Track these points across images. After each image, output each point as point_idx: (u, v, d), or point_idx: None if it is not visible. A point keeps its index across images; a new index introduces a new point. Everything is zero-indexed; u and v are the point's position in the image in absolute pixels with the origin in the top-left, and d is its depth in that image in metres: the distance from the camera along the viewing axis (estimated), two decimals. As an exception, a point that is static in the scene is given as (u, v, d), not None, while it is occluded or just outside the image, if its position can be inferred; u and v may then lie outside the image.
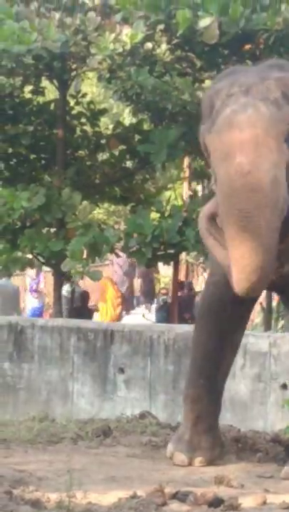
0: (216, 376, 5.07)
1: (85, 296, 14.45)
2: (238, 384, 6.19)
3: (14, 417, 6.85)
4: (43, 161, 10.06)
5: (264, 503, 4.06)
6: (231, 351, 5.10)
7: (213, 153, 4.42)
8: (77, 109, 10.05)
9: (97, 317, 15.00)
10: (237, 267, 4.26)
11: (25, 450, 5.13)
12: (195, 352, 5.21)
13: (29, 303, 16.24)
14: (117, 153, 9.73)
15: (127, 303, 17.67)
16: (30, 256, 9.57)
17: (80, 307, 14.08)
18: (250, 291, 4.40)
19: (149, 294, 18.99)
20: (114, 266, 17.77)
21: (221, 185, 4.36)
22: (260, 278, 4.32)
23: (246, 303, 4.88)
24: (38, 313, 15.04)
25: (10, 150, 10.01)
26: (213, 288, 5.38)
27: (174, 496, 4.05)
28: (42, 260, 9.63)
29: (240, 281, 4.31)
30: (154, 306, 16.73)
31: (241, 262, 4.27)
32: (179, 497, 4.06)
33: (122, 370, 7.67)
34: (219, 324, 4.94)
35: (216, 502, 3.93)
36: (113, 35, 8.17)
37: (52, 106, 9.89)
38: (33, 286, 15.87)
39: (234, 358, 5.29)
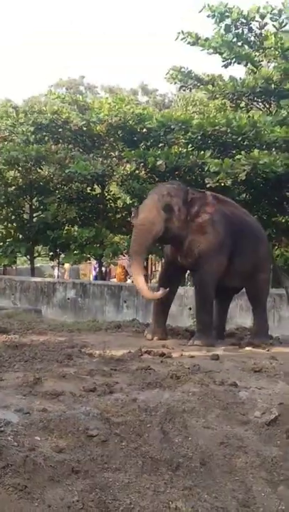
0: (165, 304, 9.00)
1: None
2: (172, 307, 9.61)
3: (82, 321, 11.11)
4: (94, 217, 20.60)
5: (182, 355, 7.34)
6: (172, 292, 8.96)
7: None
8: (108, 197, 21.48)
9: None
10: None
11: (86, 333, 8.85)
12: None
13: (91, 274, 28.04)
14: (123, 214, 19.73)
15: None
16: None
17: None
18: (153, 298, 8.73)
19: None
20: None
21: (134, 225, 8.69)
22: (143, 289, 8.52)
23: (177, 272, 9.04)
24: (95, 279, 24.14)
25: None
26: (164, 264, 9.51)
27: (146, 352, 7.29)
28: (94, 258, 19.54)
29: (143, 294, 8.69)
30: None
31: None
32: (148, 352, 7.28)
33: (125, 302, 12.46)
34: (167, 279, 8.94)
35: (162, 354, 7.20)
36: (123, 167, 17.40)
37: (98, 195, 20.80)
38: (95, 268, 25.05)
39: (174, 297, 9.15)
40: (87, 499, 3.97)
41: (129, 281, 24.31)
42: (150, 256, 21.61)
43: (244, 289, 9.71)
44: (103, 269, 24.04)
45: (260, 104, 21.83)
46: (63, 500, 3.91)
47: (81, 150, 21.64)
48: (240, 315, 11.33)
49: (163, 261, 10.12)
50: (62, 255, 22.58)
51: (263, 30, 20.97)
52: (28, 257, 22.65)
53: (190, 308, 11.90)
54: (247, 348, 8.52)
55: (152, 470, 4.40)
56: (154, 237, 8.43)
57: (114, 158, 20.82)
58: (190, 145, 19.31)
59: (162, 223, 8.33)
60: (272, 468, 4.78)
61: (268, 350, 8.34)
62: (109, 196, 22.08)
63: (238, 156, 17.51)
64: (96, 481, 4.14)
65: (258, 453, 4.85)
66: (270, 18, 20.70)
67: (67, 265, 26.20)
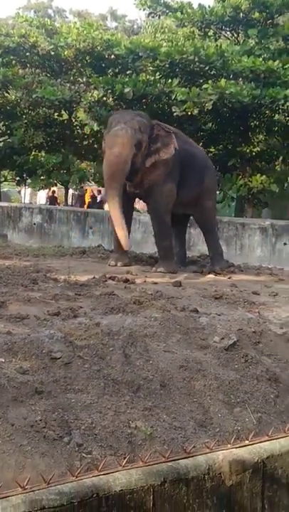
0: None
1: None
2: (136, 234, 10.04)
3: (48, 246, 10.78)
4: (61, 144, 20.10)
5: (145, 281, 7.48)
6: (130, 222, 9.12)
7: (105, 145, 8.80)
8: (76, 123, 21.05)
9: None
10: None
11: (51, 259, 8.91)
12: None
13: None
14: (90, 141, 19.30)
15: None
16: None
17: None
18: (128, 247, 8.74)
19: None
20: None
21: (104, 160, 8.68)
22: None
23: (130, 200, 9.10)
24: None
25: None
26: None
27: (110, 278, 7.39)
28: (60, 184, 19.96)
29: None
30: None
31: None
32: (112, 278, 7.39)
33: (91, 228, 12.42)
34: (124, 209, 8.74)
35: (126, 280, 7.30)
36: (90, 94, 17.32)
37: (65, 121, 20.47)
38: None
39: (130, 224, 9.23)
40: (49, 418, 4.02)
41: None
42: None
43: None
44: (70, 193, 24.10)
45: (228, 33, 21.67)
46: (26, 420, 3.96)
47: (48, 75, 21.33)
48: (202, 242, 11.36)
49: None
50: (29, 180, 22.53)
51: None
52: (-7, 181, 22.60)
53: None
54: (209, 276, 8.63)
55: (114, 391, 4.46)
56: (126, 174, 8.54)
57: (82, 85, 20.63)
58: (158, 73, 19.09)
59: (131, 160, 8.47)
60: (229, 391, 4.86)
61: (229, 278, 8.46)
62: (76, 122, 21.93)
63: (205, 85, 17.40)
64: (59, 402, 4.19)
65: (216, 376, 4.93)
66: None
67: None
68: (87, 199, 27.28)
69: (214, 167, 9.77)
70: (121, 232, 8.43)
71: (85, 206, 26.35)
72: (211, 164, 9.80)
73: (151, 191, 8.71)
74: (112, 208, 8.48)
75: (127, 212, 8.99)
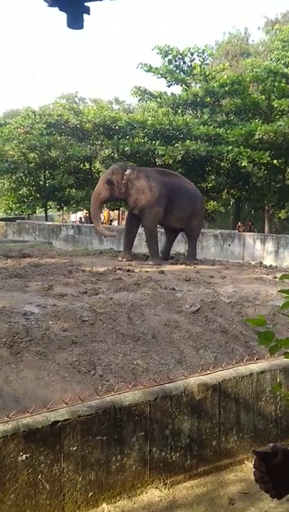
0: (129, 239, 8.93)
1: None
2: (136, 242, 9.35)
3: (78, 249, 10.60)
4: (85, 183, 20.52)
5: (140, 271, 7.20)
6: (133, 232, 8.96)
7: None
8: (94, 170, 21.19)
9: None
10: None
11: (80, 257, 8.69)
12: (124, 233, 9.20)
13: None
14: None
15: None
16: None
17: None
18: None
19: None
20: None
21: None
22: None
23: (134, 218, 8.84)
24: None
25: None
26: (127, 214, 9.42)
27: (118, 269, 7.10)
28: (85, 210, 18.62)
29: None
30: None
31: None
32: (120, 269, 7.14)
33: (105, 237, 12.21)
34: (128, 223, 8.95)
35: (129, 270, 7.06)
36: (103, 152, 16.13)
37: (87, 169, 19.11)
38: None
39: (135, 234, 9.02)
40: (81, 359, 4.02)
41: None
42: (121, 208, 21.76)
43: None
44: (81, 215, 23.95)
45: (190, 111, 21.65)
46: (67, 360, 3.96)
47: (76, 140, 21.29)
48: (177, 245, 11.34)
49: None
50: (65, 208, 22.59)
51: (192, 62, 20.69)
52: (43, 209, 22.59)
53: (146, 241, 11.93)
54: (181, 266, 8.58)
55: (122, 341, 4.46)
56: (101, 201, 8.92)
57: (98, 146, 20.63)
58: (146, 137, 19.06)
59: (107, 191, 8.58)
60: (196, 339, 4.86)
61: (194, 267, 8.40)
62: (94, 170, 21.97)
63: (176, 145, 17.41)
64: (87, 349, 4.19)
65: (188, 330, 4.92)
66: (197, 55, 20.64)
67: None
68: (106, 218, 27.07)
69: (202, 198, 9.64)
70: (98, 228, 9.21)
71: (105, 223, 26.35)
72: (200, 195, 9.66)
73: (144, 212, 8.63)
74: (93, 219, 9.25)
75: (132, 225, 8.99)
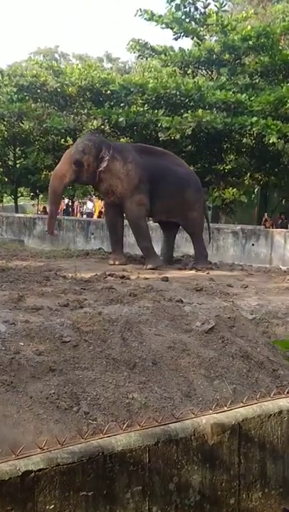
0: (116, 235, 9.18)
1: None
2: (130, 239, 9.88)
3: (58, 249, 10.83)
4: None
5: (138, 277, 7.34)
6: (118, 224, 9.17)
7: None
8: None
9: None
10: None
11: (60, 259, 8.81)
12: (108, 229, 9.46)
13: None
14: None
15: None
16: None
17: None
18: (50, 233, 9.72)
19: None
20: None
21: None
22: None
23: (114, 208, 9.07)
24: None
25: None
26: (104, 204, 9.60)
27: (109, 275, 7.25)
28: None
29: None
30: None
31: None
32: (111, 275, 7.21)
33: (92, 234, 12.34)
34: (113, 217, 9.16)
35: (123, 276, 7.17)
36: (90, 123, 16.21)
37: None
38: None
39: (121, 228, 9.21)
40: (61, 391, 4.02)
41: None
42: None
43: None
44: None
45: (203, 71, 21.69)
46: (42, 393, 3.96)
47: (56, 108, 21.33)
48: (185, 245, 11.37)
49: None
50: (41, 195, 22.57)
51: (206, 9, 20.71)
52: (12, 196, 22.62)
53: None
54: (191, 272, 8.59)
55: (114, 368, 4.45)
56: (64, 185, 9.21)
57: (84, 116, 20.65)
58: (146, 105, 19.08)
59: (73, 174, 8.75)
60: (209, 366, 4.85)
61: (207, 273, 8.42)
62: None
63: (185, 115, 17.43)
64: (69, 378, 4.18)
65: (198, 355, 4.92)
66: (213, -1, 20.47)
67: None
68: (98, 209, 27.15)
69: (199, 184, 9.60)
70: (50, 222, 9.61)
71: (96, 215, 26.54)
72: (195, 181, 9.58)
73: (124, 202, 8.76)
74: (51, 206, 9.71)
75: (114, 218, 9.12)
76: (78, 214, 29.65)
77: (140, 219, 8.93)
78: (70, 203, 26.93)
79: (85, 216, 27.33)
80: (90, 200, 26.19)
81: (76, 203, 27.40)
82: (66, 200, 25.32)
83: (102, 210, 27.09)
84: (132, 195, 8.72)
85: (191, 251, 10.33)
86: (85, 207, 29.29)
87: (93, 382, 4.24)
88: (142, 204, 8.78)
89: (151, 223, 11.54)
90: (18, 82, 20.89)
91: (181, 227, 9.67)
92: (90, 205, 29.08)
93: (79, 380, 4.21)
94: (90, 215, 28.87)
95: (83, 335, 4.68)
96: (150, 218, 9.70)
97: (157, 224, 10.53)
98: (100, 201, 24.34)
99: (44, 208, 27.45)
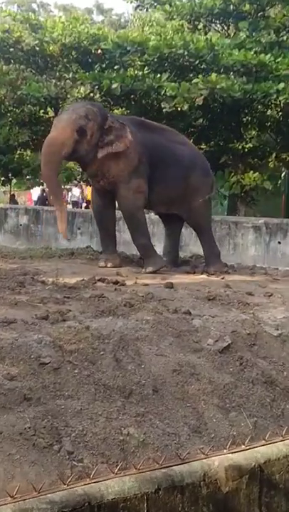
0: (107, 229, 9.24)
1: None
2: (126, 235, 9.84)
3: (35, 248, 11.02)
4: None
5: (135, 283, 7.48)
6: (109, 216, 9.24)
7: None
8: None
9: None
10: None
11: (38, 261, 8.93)
12: (96, 223, 9.49)
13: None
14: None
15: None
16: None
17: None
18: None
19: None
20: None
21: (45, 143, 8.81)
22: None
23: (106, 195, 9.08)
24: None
25: None
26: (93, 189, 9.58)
27: (99, 280, 7.40)
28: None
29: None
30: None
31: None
32: (101, 280, 7.40)
33: (79, 228, 12.38)
34: (102, 206, 9.16)
35: (116, 282, 7.28)
36: (77, 90, 16.86)
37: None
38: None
39: (114, 221, 9.32)
40: (39, 426, 4.02)
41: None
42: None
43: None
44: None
45: (218, 26, 21.67)
46: (15, 427, 3.96)
47: (33, 71, 21.26)
48: (195, 243, 11.33)
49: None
50: (14, 180, 22.48)
51: None
52: (-22, 181, 22.55)
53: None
54: (202, 276, 8.62)
55: (105, 397, 4.46)
56: (62, 158, 8.80)
57: (68, 81, 20.52)
58: (146, 68, 19.04)
59: (72, 145, 8.48)
60: (224, 394, 4.87)
61: (222, 278, 8.45)
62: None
63: (195, 80, 17.37)
64: (48, 408, 4.19)
65: (211, 380, 4.93)
66: None
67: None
68: (90, 196, 27.27)
69: (207, 167, 9.60)
70: (59, 214, 8.77)
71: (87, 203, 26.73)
72: (202, 163, 9.61)
73: (118, 188, 8.71)
74: (53, 190, 9.11)
75: (104, 208, 9.10)
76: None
77: (138, 210, 8.89)
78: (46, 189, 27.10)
79: (70, 206, 27.40)
80: (78, 186, 26.30)
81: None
82: (41, 186, 25.38)
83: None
84: (130, 180, 8.69)
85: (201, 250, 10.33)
86: (70, 194, 29.36)
87: (79, 414, 4.24)
88: (140, 191, 8.76)
89: (152, 215, 11.56)
90: (-15, 39, 20.82)
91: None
92: (76, 192, 29.13)
93: (61, 411, 4.21)
94: (76, 204, 29.03)
95: (66, 355, 4.68)
96: (149, 210, 9.66)
97: (158, 217, 10.53)
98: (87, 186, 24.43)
99: (12, 195, 27.53)
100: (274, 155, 20.76)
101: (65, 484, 3.62)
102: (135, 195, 8.73)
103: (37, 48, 20.41)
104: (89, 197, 27.29)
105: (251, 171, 19.08)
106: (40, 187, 25.76)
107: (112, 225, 9.19)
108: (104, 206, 9.08)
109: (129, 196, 8.72)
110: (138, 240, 8.93)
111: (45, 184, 23.65)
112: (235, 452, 4.20)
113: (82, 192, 30.72)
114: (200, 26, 21.23)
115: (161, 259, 8.93)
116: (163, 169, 8.89)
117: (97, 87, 18.72)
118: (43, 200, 26.51)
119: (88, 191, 26.20)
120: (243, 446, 4.29)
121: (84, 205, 28.47)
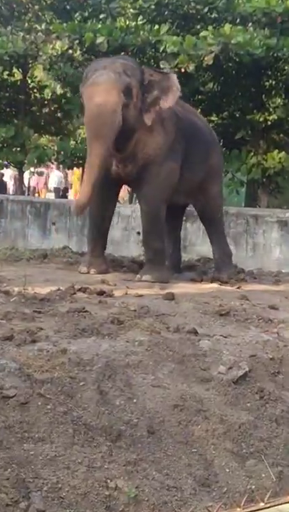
0: (102, 226, 9.26)
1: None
2: (115, 232, 10.08)
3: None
4: (13, 112, 19.83)
5: (126, 293, 7.53)
6: (108, 211, 9.21)
7: (83, 98, 8.64)
8: (32, 84, 20.26)
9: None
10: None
11: (1, 265, 8.91)
12: (90, 217, 9.40)
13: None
14: (52, 108, 19.21)
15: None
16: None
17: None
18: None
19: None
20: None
21: (85, 114, 8.51)
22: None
23: (114, 184, 8.96)
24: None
25: None
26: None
27: (80, 290, 7.43)
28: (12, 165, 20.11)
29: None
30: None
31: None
32: (82, 290, 7.43)
33: (54, 224, 12.48)
34: (105, 199, 9.01)
35: (101, 292, 7.35)
36: (51, 45, 16.64)
37: (18, 83, 19.69)
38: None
39: (111, 217, 9.35)
40: (1, 477, 4.02)
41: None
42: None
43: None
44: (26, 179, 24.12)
45: None
46: None
47: (-4, 21, 21.35)
48: (202, 242, 11.36)
49: None
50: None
51: None
52: None
53: (138, 233, 11.72)
54: (212, 285, 8.61)
55: (86, 440, 4.46)
56: (116, 129, 8.27)
57: (41, 33, 20.46)
58: (141, 17, 19.05)
59: (121, 112, 8.26)
60: (239, 437, 4.87)
61: (238, 288, 8.46)
62: (33, 84, 21.45)
63: (203, 33, 17.33)
64: (13, 455, 4.18)
65: (222, 418, 4.93)
66: None
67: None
68: (76, 183, 26.89)
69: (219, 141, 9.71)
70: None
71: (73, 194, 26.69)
72: (216, 138, 9.70)
73: (146, 171, 8.59)
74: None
75: (108, 202, 9.05)
76: (42, 192, 29.78)
77: (162, 204, 8.84)
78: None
79: (48, 195, 27.32)
80: (62, 170, 26.20)
81: (35, 177, 27.46)
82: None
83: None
84: (163, 161, 8.63)
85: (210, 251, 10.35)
86: (50, 180, 29.36)
87: (52, 461, 4.24)
88: (171, 179, 8.72)
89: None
90: None
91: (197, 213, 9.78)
92: (56, 177, 28.99)
93: (29, 458, 4.21)
94: (57, 191, 28.78)
95: (37, 386, 4.68)
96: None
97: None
98: (78, 171, 24.35)
99: (1, 175, 27.46)
100: (306, 129, 20.77)
101: None
102: (165, 184, 8.68)
103: (0, -9, 20.50)
104: (75, 184, 27.30)
105: (276, 150, 19.05)
106: (8, 170, 25.60)
107: (108, 223, 9.21)
108: (108, 199, 9.03)
109: (157, 184, 8.63)
110: (152, 242, 8.86)
111: (13, 169, 23.85)
112: (253, 511, 4.20)
113: (66, 177, 30.77)
114: None
115: (167, 274, 8.85)
116: (189, 149, 8.92)
117: (77, 41, 18.60)
118: (1, 187, 26.16)
119: (75, 176, 26.07)
120: (261, 504, 4.28)
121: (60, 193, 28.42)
